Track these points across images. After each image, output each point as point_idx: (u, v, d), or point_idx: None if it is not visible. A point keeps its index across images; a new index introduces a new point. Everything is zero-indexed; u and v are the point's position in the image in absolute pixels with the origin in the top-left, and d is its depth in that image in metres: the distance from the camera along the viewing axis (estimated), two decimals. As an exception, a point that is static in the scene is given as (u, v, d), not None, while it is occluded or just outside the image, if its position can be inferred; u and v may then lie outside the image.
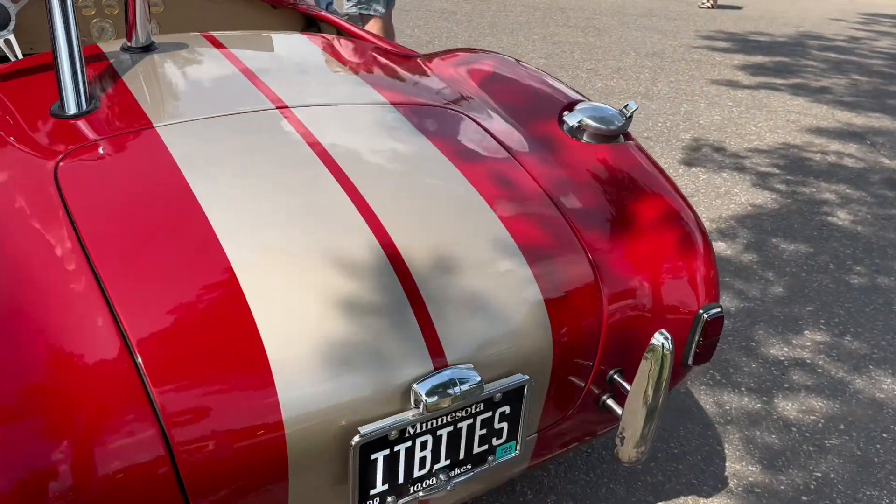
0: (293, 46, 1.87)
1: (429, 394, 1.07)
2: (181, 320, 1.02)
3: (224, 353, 1.00)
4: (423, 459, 1.14)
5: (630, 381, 1.30)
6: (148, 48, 1.66)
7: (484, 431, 1.19)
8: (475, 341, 1.15)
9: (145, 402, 0.96)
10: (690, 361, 1.43)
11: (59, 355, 0.97)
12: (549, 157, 1.56)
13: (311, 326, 1.05)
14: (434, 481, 1.17)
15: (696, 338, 1.41)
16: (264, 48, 1.80)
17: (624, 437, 1.35)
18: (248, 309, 1.04)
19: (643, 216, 1.48)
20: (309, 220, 1.18)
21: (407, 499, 1.15)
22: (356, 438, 1.04)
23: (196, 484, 0.98)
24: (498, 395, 1.17)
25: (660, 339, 1.25)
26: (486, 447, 1.21)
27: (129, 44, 1.65)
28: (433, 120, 1.57)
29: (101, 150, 1.27)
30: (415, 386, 1.08)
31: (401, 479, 1.13)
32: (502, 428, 1.22)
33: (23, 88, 1.51)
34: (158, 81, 1.55)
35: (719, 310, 1.41)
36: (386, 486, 1.12)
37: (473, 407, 1.16)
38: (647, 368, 1.27)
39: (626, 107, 1.68)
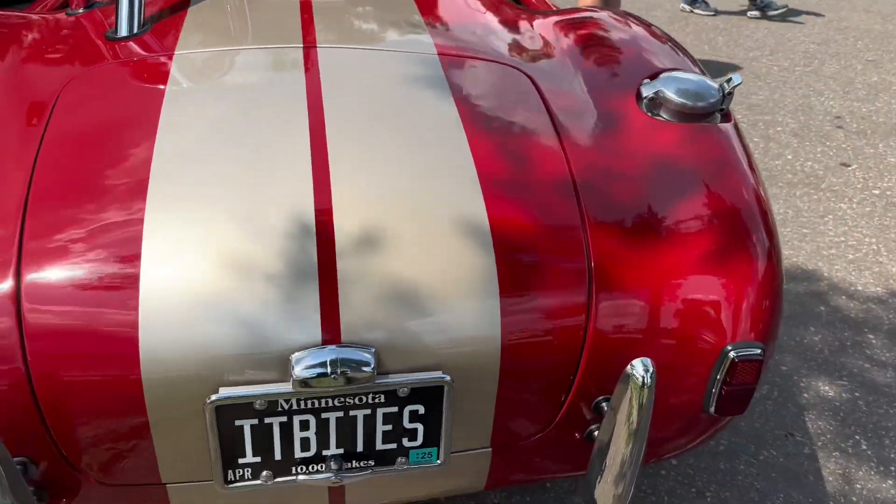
0: None
1: (303, 368, 0.95)
2: (75, 235, 1.00)
3: (101, 276, 0.97)
4: (305, 440, 1.02)
5: None
6: None
7: (389, 427, 1.04)
8: (387, 326, 0.99)
9: (14, 312, 0.96)
10: (712, 409, 1.12)
11: None
12: (603, 133, 1.30)
13: (197, 271, 0.98)
14: (322, 467, 1.04)
15: (720, 381, 1.09)
16: None
17: (593, 478, 1.10)
18: (141, 236, 0.99)
19: (692, 219, 1.18)
20: (252, 164, 1.10)
21: (286, 478, 1.04)
22: (213, 397, 0.95)
23: (54, 411, 0.97)
24: (404, 389, 1.01)
25: (638, 366, 0.99)
26: (393, 446, 1.05)
27: None
28: (477, 75, 1.39)
29: (111, 71, 1.30)
30: (291, 357, 0.96)
31: (278, 456, 1.02)
32: (415, 429, 1.05)
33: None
34: (215, 12, 1.56)
35: (759, 352, 1.08)
36: (258, 459, 1.02)
37: (371, 397, 1.01)
38: (620, 403, 1.02)
39: (727, 80, 1.35)
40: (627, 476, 1.08)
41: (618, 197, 1.19)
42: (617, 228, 1.15)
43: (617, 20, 1.68)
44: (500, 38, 1.58)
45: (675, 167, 1.24)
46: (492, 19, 1.68)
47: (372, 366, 0.96)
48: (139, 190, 1.04)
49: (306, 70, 1.30)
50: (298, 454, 1.03)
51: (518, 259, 1.07)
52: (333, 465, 1.04)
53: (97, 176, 1.07)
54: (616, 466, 1.07)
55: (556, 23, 1.67)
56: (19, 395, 0.96)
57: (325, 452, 1.04)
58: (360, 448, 1.05)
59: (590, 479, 1.13)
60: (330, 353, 0.96)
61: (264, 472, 1.04)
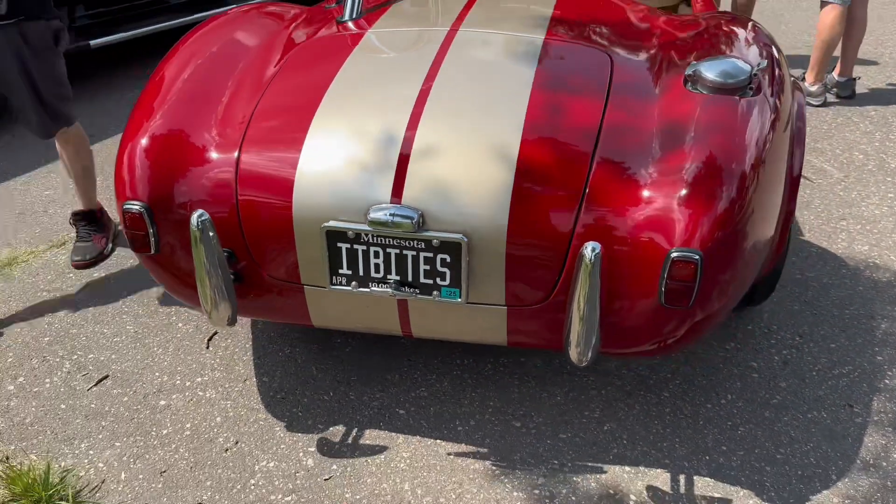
0: None
1: (374, 214, 1.56)
2: (273, 126, 1.72)
3: (279, 151, 1.67)
4: (376, 265, 1.62)
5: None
6: None
7: (428, 268, 1.60)
8: (430, 201, 1.56)
9: (234, 167, 1.69)
10: (663, 300, 1.52)
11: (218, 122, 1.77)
12: (644, 101, 1.73)
13: (333, 151, 1.64)
14: (385, 288, 1.64)
15: (665, 277, 1.49)
16: None
17: (569, 341, 1.56)
18: (307, 129, 1.67)
19: (670, 163, 1.58)
20: (381, 100, 1.74)
21: (365, 289, 1.65)
22: (325, 224, 1.60)
23: (248, 225, 1.68)
24: (435, 241, 1.56)
25: (587, 248, 1.44)
26: (431, 281, 1.61)
27: None
28: (567, 54, 1.89)
29: (327, 40, 2.03)
30: (370, 207, 1.57)
31: (361, 273, 1.64)
32: (445, 272, 1.60)
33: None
34: (410, 5, 2.22)
35: (696, 257, 1.46)
36: (350, 272, 1.65)
37: (415, 243, 1.58)
38: (577, 276, 1.48)
39: (759, 64, 1.70)
40: (584, 337, 1.52)
41: (626, 145, 1.62)
42: (615, 166, 1.59)
43: (724, 21, 2.04)
44: (609, 30, 2.05)
45: (680, 126, 1.63)
46: (613, 16, 2.14)
47: (414, 220, 1.54)
48: (314, 104, 1.73)
49: (442, 45, 1.91)
50: (372, 274, 1.64)
51: (532, 176, 1.57)
52: (393, 286, 1.63)
53: (296, 94, 1.78)
54: (576, 330, 1.52)
55: (668, 20, 2.09)
56: (231, 216, 1.69)
57: (388, 277, 1.63)
58: (409, 278, 1.62)
59: (565, 343, 1.58)
60: (391, 208, 1.55)
61: (353, 282, 1.66)
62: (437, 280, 1.61)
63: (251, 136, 1.72)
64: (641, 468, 1.85)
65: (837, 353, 2.22)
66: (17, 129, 3.57)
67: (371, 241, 1.61)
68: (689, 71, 1.74)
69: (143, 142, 1.72)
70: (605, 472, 1.84)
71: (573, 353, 1.56)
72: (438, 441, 1.93)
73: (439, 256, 1.58)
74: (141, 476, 1.85)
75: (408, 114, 1.68)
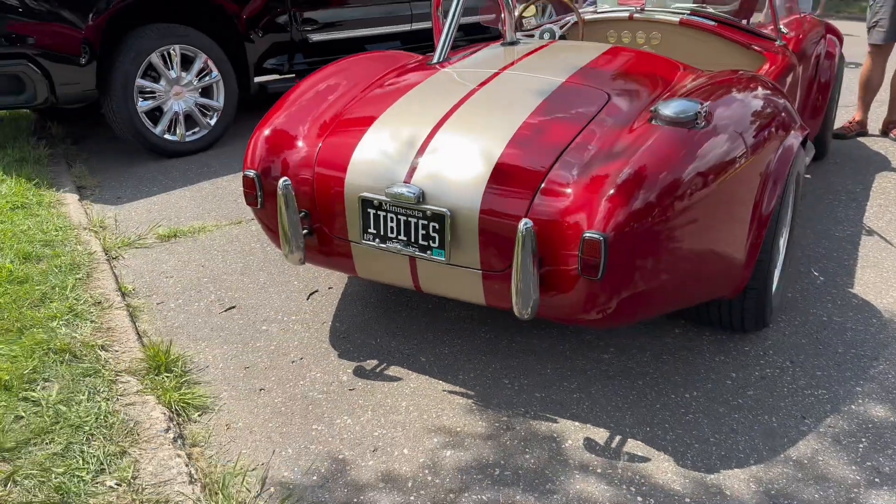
0: (593, 49, 2.84)
1: (390, 188, 2.20)
2: (350, 122, 2.44)
3: (351, 136, 2.38)
4: (391, 227, 2.25)
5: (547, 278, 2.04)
6: (515, 42, 2.97)
7: (424, 232, 2.20)
8: (432, 180, 2.18)
9: (315, 146, 2.43)
10: (580, 271, 1.99)
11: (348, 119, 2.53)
12: (612, 129, 2.22)
13: (381, 141, 2.31)
14: (396, 245, 2.26)
15: (580, 254, 1.97)
16: (583, 49, 2.86)
17: (511, 296, 2.09)
18: (372, 124, 2.37)
19: (609, 169, 2.06)
20: (426, 111, 2.39)
21: (383, 245, 2.29)
22: (360, 194, 2.27)
23: (319, 194, 2.40)
24: (429, 212, 2.17)
25: (521, 223, 1.98)
26: (426, 243, 2.21)
27: (505, 39, 3.00)
28: (573, 92, 2.42)
29: (407, 72, 2.75)
30: (390, 185, 2.22)
31: (382, 232, 2.28)
32: (435, 237, 2.19)
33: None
34: (485, 54, 2.87)
35: (601, 238, 1.93)
36: (375, 231, 2.29)
37: (416, 212, 2.19)
38: (516, 245, 2.01)
39: (704, 105, 2.13)
40: (522, 292, 2.02)
41: (583, 157, 2.13)
42: (568, 172, 2.10)
43: (739, 77, 2.48)
44: (623, 77, 2.54)
45: (631, 146, 2.10)
46: (637, 68, 2.63)
47: (415, 195, 2.15)
48: (380, 112, 2.42)
49: (484, 81, 2.53)
50: (388, 234, 2.27)
51: (504, 173, 2.13)
52: (402, 244, 2.25)
53: (372, 105, 2.50)
54: (516, 287, 2.03)
55: (685, 73, 2.55)
56: (310, 186, 2.42)
57: (399, 237, 2.25)
58: (412, 239, 2.23)
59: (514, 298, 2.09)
60: (402, 186, 2.18)
61: (377, 239, 2.30)
62: (430, 242, 2.21)
63: (333, 131, 2.45)
64: (588, 426, 2.27)
65: (819, 379, 2.45)
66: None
67: (388, 209, 2.24)
68: (652, 107, 2.20)
69: (263, 131, 2.52)
70: (558, 423, 2.28)
71: (515, 306, 2.07)
72: (440, 381, 2.48)
73: (431, 224, 2.18)
74: (232, 367, 2.61)
75: (433, 125, 2.31)
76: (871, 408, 2.31)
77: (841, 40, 4.43)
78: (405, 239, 2.25)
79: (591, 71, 2.61)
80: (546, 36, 3.83)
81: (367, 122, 2.41)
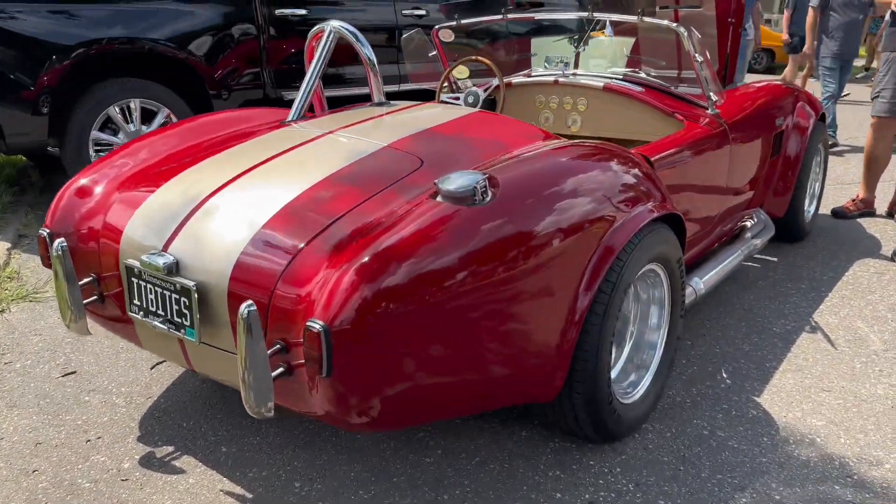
0: (455, 112, 2.56)
1: (144, 256, 1.96)
2: (151, 177, 2.23)
3: (138, 194, 2.17)
4: (151, 300, 2.01)
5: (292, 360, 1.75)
6: (382, 104, 2.74)
7: (177, 308, 1.95)
8: (189, 247, 1.93)
9: (107, 203, 2.24)
10: (309, 364, 1.68)
11: None
12: (401, 202, 1.93)
13: (164, 202, 2.07)
14: (155, 322, 2.01)
15: (305, 342, 1.67)
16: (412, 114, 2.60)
17: (242, 394, 1.79)
18: (165, 182, 2.16)
19: (362, 248, 1.75)
20: (223, 167, 2.18)
21: (146, 319, 2.04)
22: (126, 261, 2.04)
23: (103, 256, 2.20)
24: (178, 284, 1.91)
25: (243, 307, 1.70)
26: (180, 320, 1.95)
27: (373, 100, 2.76)
28: (386, 158, 2.16)
29: (246, 130, 2.54)
30: (146, 254, 1.98)
31: (144, 305, 2.04)
32: (186, 314, 1.93)
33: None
34: (340, 115, 2.64)
35: (319, 329, 1.63)
36: (139, 303, 2.05)
37: (168, 285, 1.94)
38: (237, 333, 1.73)
39: (481, 179, 1.82)
40: (253, 391, 1.72)
41: (346, 232, 1.83)
42: (324, 247, 1.81)
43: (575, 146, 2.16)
44: (457, 145, 2.26)
45: (395, 224, 1.80)
46: (478, 135, 2.35)
47: (165, 265, 1.90)
48: (183, 168, 2.20)
49: (308, 140, 2.30)
50: (150, 307, 2.02)
51: (262, 246, 1.86)
52: (160, 320, 1.99)
53: (181, 159, 2.29)
54: (244, 385, 1.73)
55: (534, 138, 2.26)
56: (94, 249, 2.21)
57: (158, 311, 2.00)
58: (168, 314, 1.98)
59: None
60: (156, 254, 1.94)
61: (140, 312, 2.05)
62: (183, 319, 1.95)
63: (124, 192, 2.24)
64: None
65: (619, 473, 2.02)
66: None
67: (146, 279, 2.01)
68: (435, 180, 1.90)
69: (67, 189, 2.34)
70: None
71: (245, 403, 1.77)
72: (225, 478, 2.19)
73: (182, 299, 1.93)
74: (23, 442, 2.39)
75: (219, 184, 2.08)
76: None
77: (818, 112, 3.98)
78: (162, 314, 2.00)
79: (428, 135, 2.34)
80: (470, 99, 3.59)
81: (159, 182, 2.20)
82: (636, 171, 2.27)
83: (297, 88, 2.75)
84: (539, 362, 1.93)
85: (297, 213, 1.92)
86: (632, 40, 3.58)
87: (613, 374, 2.32)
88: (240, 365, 1.73)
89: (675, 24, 2.98)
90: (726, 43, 3.78)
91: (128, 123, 4.79)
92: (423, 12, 6.04)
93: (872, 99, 4.57)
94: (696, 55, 2.97)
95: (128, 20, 4.79)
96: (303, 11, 5.42)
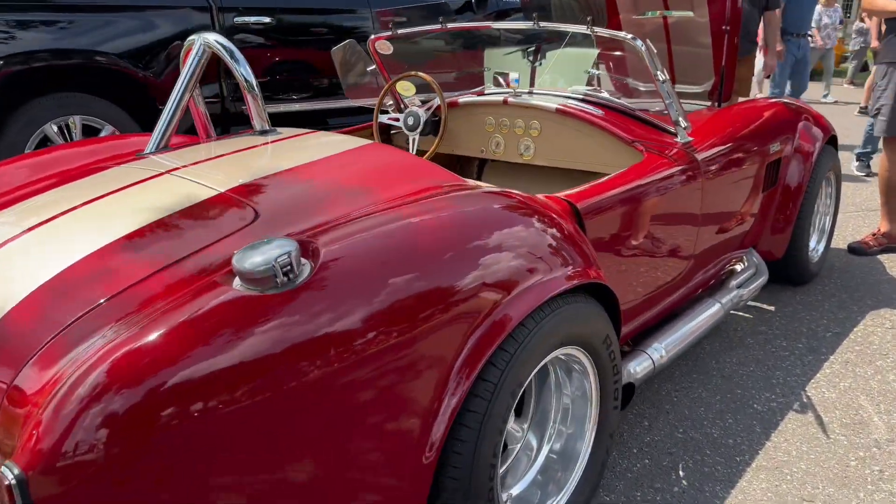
0: (341, 145, 2.07)
1: None
2: None
3: None
4: None
5: None
6: (266, 132, 2.26)
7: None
8: None
9: None
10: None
11: None
12: (193, 277, 1.45)
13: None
14: None
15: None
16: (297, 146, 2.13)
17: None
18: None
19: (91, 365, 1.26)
20: (20, 219, 1.73)
21: None
22: None
23: None
24: None
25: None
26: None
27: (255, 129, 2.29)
28: (218, 210, 1.70)
29: (89, 164, 2.08)
30: None
31: None
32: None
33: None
34: (203, 145, 2.17)
35: (10, 479, 1.15)
36: None
37: None
38: None
39: (285, 254, 1.33)
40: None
41: (99, 328, 1.35)
42: (62, 350, 1.32)
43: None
44: (318, 191, 1.77)
45: (160, 318, 1.31)
46: (347, 178, 1.86)
47: None
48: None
49: (137, 182, 1.84)
50: None
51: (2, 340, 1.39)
52: None
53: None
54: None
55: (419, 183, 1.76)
56: None
57: None
58: None
59: None
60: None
61: None
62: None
63: None
64: None
65: None
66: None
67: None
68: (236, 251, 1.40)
69: None
70: None
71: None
72: None
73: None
74: None
75: (13, 234, 1.65)
76: None
77: (827, 134, 3.39)
78: None
79: (282, 179, 1.84)
80: (410, 121, 3.10)
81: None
82: (545, 228, 1.75)
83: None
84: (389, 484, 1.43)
85: (59, 293, 1.45)
86: (595, 52, 3.04)
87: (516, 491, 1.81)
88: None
89: (629, 36, 2.44)
90: (721, 55, 3.23)
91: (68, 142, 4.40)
92: (403, 19, 5.57)
93: (872, 116, 4.04)
94: (658, 73, 2.43)
95: (66, 30, 4.42)
96: (267, 19, 4.99)
